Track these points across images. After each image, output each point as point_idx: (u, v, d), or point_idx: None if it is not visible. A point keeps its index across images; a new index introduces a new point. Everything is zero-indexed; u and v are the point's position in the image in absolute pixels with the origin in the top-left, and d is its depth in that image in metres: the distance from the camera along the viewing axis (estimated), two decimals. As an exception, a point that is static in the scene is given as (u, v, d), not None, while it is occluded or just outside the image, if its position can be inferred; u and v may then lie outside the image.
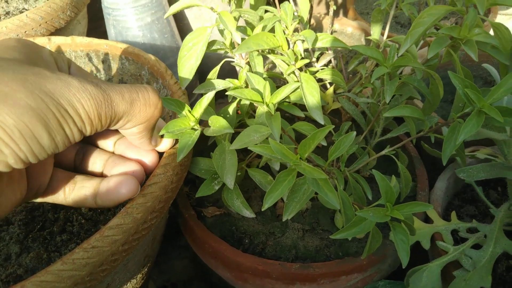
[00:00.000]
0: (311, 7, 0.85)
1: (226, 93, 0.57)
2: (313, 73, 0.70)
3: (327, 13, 1.13)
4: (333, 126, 0.51)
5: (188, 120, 0.55)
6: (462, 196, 0.76)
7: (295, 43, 0.58)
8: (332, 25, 1.02)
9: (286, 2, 0.62)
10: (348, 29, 1.04)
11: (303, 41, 0.59)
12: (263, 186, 0.65)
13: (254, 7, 0.78)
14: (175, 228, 0.79)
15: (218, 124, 0.55)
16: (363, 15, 1.17)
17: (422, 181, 0.72)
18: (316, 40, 0.59)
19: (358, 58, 0.73)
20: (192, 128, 0.55)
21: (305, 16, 0.70)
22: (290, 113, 0.80)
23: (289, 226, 0.68)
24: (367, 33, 1.06)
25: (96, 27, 1.13)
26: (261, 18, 0.73)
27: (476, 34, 0.55)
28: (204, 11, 1.09)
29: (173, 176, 0.56)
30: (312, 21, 1.05)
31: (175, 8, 0.65)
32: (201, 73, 1.11)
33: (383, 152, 0.64)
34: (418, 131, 0.65)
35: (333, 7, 0.94)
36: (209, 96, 0.56)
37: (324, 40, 0.59)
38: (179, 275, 0.98)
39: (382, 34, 0.81)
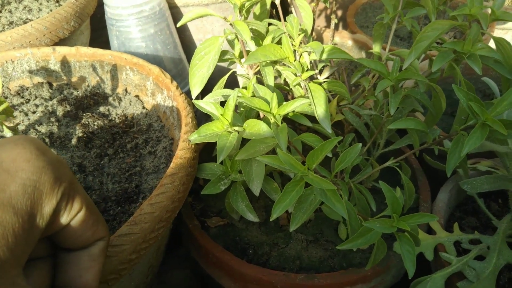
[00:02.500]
0: (313, 20, 0.86)
1: (238, 101, 0.57)
2: (319, 84, 0.70)
3: (328, 26, 1.14)
4: (341, 138, 0.52)
5: (222, 123, 0.55)
6: (463, 207, 0.76)
7: (301, 54, 0.59)
8: (333, 38, 1.03)
9: (292, 15, 0.63)
10: (348, 42, 1.05)
11: (309, 53, 0.60)
12: (268, 192, 0.65)
13: (258, 19, 0.79)
14: (175, 238, 0.78)
15: (256, 127, 0.55)
16: (363, 29, 1.19)
17: (424, 192, 0.72)
18: (323, 51, 0.60)
19: (361, 71, 0.74)
20: (228, 131, 0.55)
21: (309, 29, 0.71)
22: (292, 124, 0.81)
23: (292, 237, 0.69)
24: (367, 47, 1.07)
25: (97, 37, 1.14)
26: (267, 30, 0.74)
27: (480, 48, 0.56)
28: (206, 23, 1.09)
29: (180, 186, 0.56)
30: (313, 34, 1.06)
31: (189, 17, 0.65)
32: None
33: (387, 164, 0.65)
34: (422, 143, 0.66)
35: (334, 21, 0.95)
36: (234, 96, 0.56)
37: (329, 52, 0.60)
38: (179, 285, 0.97)
39: (384, 48, 0.82)
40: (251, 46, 0.61)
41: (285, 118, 0.62)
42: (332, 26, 0.97)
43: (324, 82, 0.67)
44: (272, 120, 0.55)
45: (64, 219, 0.36)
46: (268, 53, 0.57)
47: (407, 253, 0.51)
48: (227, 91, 0.67)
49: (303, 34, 0.60)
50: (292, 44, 0.58)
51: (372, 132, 0.70)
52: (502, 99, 0.55)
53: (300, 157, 0.62)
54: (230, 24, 0.64)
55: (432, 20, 0.73)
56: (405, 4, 0.80)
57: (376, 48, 0.80)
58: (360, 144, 0.56)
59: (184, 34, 1.10)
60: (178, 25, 0.64)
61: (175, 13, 1.07)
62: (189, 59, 1.11)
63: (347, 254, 0.66)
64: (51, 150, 0.36)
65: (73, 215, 0.37)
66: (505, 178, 0.61)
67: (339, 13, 1.35)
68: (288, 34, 0.59)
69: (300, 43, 0.60)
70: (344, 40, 1.06)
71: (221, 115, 0.55)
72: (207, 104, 0.57)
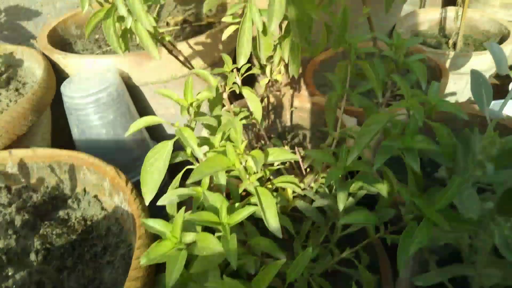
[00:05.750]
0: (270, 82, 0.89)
1: (185, 219, 0.57)
2: (271, 173, 0.71)
3: (289, 84, 1.14)
4: (285, 260, 0.52)
5: (171, 241, 0.55)
6: (430, 278, 0.76)
7: (246, 160, 0.60)
8: (292, 105, 1.05)
9: (236, 119, 0.64)
10: (307, 105, 1.06)
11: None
12: None
13: (213, 104, 0.79)
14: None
15: (207, 242, 0.55)
16: (323, 87, 1.20)
17: (385, 272, 0.72)
18: (267, 156, 0.61)
19: (314, 154, 0.74)
20: (178, 249, 0.55)
21: (259, 118, 0.72)
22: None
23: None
24: (326, 108, 1.09)
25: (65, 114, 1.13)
26: (219, 121, 0.75)
27: (418, 142, 0.57)
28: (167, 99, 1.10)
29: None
30: (272, 99, 1.08)
31: (135, 127, 0.66)
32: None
33: (343, 255, 0.65)
34: (377, 228, 0.67)
35: (289, 91, 0.97)
36: (181, 213, 0.56)
37: (274, 154, 0.61)
38: None
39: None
40: (199, 154, 0.61)
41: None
42: (288, 95, 0.98)
43: (276, 177, 0.68)
44: (222, 233, 0.56)
45: None
46: (214, 164, 0.58)
47: None
48: (183, 191, 0.67)
49: (246, 141, 0.61)
50: (237, 153, 0.59)
51: (329, 218, 0.71)
52: (446, 189, 0.56)
53: (256, 258, 0.63)
54: (178, 128, 0.65)
55: (378, 95, 0.75)
56: (355, 77, 0.81)
57: (330, 129, 0.81)
58: (310, 250, 0.56)
59: (146, 111, 1.11)
60: (126, 135, 0.65)
61: (136, 93, 1.08)
62: (151, 135, 1.11)
63: None
64: None
65: None
66: (457, 267, 0.61)
67: (300, 69, 1.37)
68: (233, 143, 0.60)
69: (245, 150, 0.61)
70: (303, 103, 1.07)
71: (170, 232, 0.55)
72: (156, 222, 0.57)
